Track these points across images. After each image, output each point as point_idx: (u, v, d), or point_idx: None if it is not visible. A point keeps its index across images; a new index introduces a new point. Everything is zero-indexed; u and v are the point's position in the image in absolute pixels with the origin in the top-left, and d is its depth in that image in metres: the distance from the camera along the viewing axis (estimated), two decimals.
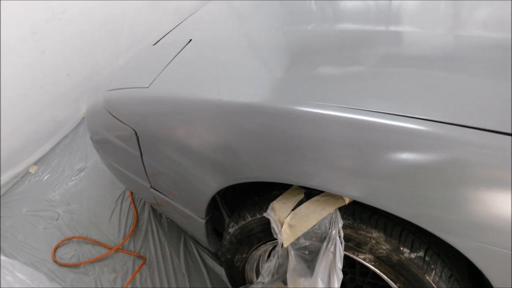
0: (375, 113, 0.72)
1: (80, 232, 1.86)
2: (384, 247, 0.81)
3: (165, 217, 1.83)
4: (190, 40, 1.44)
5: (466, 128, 0.64)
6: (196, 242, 1.68)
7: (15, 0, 1.92)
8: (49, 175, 2.30)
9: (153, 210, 1.89)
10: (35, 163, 2.40)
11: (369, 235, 0.82)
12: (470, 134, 0.63)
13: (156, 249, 1.70)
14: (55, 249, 1.77)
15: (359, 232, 0.83)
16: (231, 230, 1.07)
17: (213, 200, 1.21)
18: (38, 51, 2.12)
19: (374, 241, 0.82)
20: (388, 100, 0.76)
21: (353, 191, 0.76)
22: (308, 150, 0.79)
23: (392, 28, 1.08)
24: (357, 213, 0.85)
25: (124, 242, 1.76)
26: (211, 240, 1.30)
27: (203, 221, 1.18)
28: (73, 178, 2.24)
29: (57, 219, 1.95)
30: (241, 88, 0.97)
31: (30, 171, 2.34)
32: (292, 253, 0.92)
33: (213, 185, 1.02)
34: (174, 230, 1.76)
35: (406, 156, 0.68)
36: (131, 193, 2.00)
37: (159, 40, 1.64)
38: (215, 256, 1.63)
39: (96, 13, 2.46)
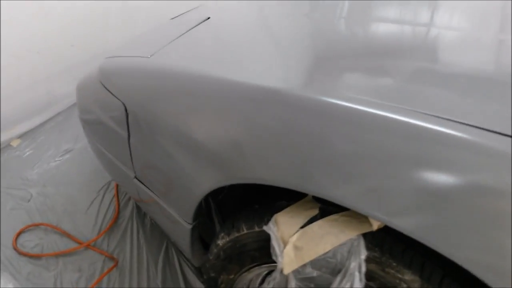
0: (443, 120, 0.55)
1: (50, 220, 1.70)
2: None
3: (150, 217, 1.67)
4: (209, 18, 1.31)
5: None
6: (179, 252, 1.51)
7: None
8: (31, 151, 2.17)
9: (138, 207, 1.73)
10: (19, 136, 2.28)
11: (400, 276, 0.65)
12: None
13: (132, 252, 1.53)
14: (18, 234, 1.62)
15: (386, 270, 0.66)
16: (220, 242, 0.90)
17: (206, 204, 1.07)
18: (42, 12, 1.99)
19: (405, 285, 0.64)
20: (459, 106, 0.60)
21: (390, 216, 0.59)
22: (335, 152, 0.63)
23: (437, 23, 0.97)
24: (387, 245, 0.68)
25: (98, 239, 1.59)
26: (195, 251, 1.13)
27: (189, 227, 1.02)
28: (56, 159, 2.11)
29: (29, 201, 1.81)
30: (261, 71, 0.84)
31: (11, 144, 2.21)
32: (293, 283, 0.75)
33: (205, 183, 0.87)
34: (157, 234, 1.59)
35: (475, 179, 0.51)
36: (117, 185, 1.84)
37: (178, 16, 1.52)
38: (198, 272, 1.46)
39: None
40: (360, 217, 0.70)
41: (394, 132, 0.58)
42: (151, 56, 1.07)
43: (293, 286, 0.75)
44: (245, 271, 0.88)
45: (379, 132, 0.59)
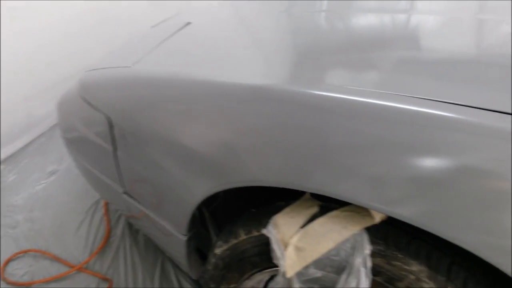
0: (432, 102, 0.55)
1: (39, 245, 1.65)
2: (426, 286, 0.62)
3: (142, 233, 1.63)
4: (189, 23, 1.31)
5: None
6: (176, 266, 1.47)
7: None
8: (15, 176, 2.12)
9: (129, 224, 1.69)
10: (2, 162, 2.22)
11: (407, 267, 0.63)
12: None
13: (126, 271, 1.48)
14: (6, 263, 1.57)
15: (392, 263, 0.65)
16: (218, 251, 0.87)
17: (200, 214, 1.04)
18: (17, 31, 1.96)
19: (413, 277, 0.63)
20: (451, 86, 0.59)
21: (391, 205, 0.57)
22: (330, 145, 0.61)
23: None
24: (392, 237, 0.66)
25: (90, 260, 1.55)
26: (192, 264, 1.10)
27: (184, 238, 0.99)
28: (41, 182, 2.06)
29: (15, 228, 1.75)
30: (247, 70, 0.83)
31: None
32: (297, 286, 0.73)
33: (199, 191, 0.84)
34: (151, 250, 1.56)
35: (475, 161, 0.50)
36: (106, 203, 1.80)
37: (158, 24, 1.51)
38: (197, 285, 1.42)
39: None
40: (362, 211, 0.69)
41: (388, 119, 0.56)
42: (133, 65, 1.05)
43: None
44: (246, 278, 0.86)
45: (374, 120, 0.57)
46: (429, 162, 0.53)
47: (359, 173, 0.59)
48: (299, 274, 0.72)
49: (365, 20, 1.04)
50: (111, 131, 1.04)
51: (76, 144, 1.33)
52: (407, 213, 0.56)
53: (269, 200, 0.84)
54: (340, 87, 0.64)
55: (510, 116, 0.49)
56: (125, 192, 1.15)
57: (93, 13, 2.44)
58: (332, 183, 0.62)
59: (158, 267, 1.48)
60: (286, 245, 0.72)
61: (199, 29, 1.28)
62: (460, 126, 0.51)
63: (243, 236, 0.81)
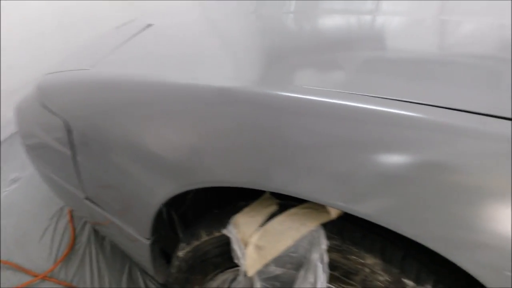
0: (395, 101, 0.57)
1: (1, 255, 1.59)
2: (381, 278, 0.64)
3: (109, 239, 1.60)
4: (150, 24, 1.29)
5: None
6: (144, 271, 1.45)
7: None
8: None
9: (95, 231, 1.65)
10: None
11: (362, 261, 0.65)
12: None
13: (92, 278, 1.45)
14: None
15: (348, 257, 0.66)
16: (181, 254, 0.87)
17: (169, 217, 1.03)
18: None
19: (368, 270, 0.65)
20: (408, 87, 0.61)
21: (335, 199, 0.59)
22: (291, 146, 0.62)
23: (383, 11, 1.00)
24: (347, 232, 0.68)
25: (54, 269, 1.51)
26: (158, 268, 1.09)
27: (147, 242, 0.97)
28: (4, 190, 1.99)
29: None
30: (211, 72, 0.83)
31: None
32: (258, 284, 0.73)
33: (160, 192, 0.83)
34: (118, 256, 1.53)
35: (420, 156, 0.52)
36: (71, 210, 1.76)
37: (120, 26, 1.49)
38: None
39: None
40: (319, 208, 0.70)
41: (347, 119, 0.58)
42: (90, 68, 1.03)
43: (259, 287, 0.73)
44: (210, 279, 0.86)
45: (333, 120, 0.59)
46: (388, 160, 0.54)
47: (320, 172, 0.60)
48: (260, 273, 0.72)
49: (332, 21, 1.07)
50: (69, 135, 1.01)
51: (36, 150, 1.29)
52: (366, 210, 0.57)
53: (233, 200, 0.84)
54: (300, 88, 0.65)
55: (468, 114, 0.51)
56: (86, 198, 1.13)
57: (55, 15, 2.37)
58: (294, 182, 0.63)
59: (125, 273, 1.46)
60: (246, 244, 0.73)
61: (161, 30, 1.27)
62: (417, 124, 0.53)
63: (204, 238, 0.81)
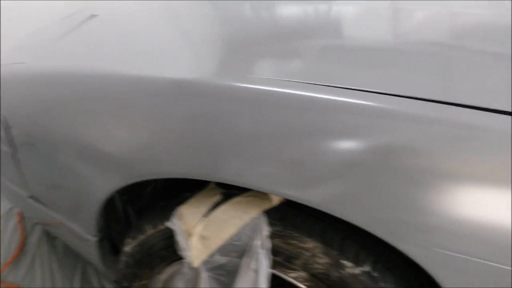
0: (342, 89, 0.57)
1: None
2: (321, 261, 0.65)
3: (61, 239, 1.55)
4: (94, 15, 1.25)
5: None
6: (97, 270, 1.42)
7: None
8: None
9: (47, 231, 1.59)
10: None
11: (303, 245, 0.66)
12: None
13: (44, 280, 1.40)
14: None
15: (290, 242, 0.67)
16: (127, 249, 0.85)
17: (125, 214, 1.02)
18: None
19: (309, 254, 0.66)
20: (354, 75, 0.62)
21: (285, 188, 0.60)
22: (238, 135, 0.62)
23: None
24: (289, 218, 0.69)
25: (3, 271, 1.44)
26: (108, 265, 1.06)
27: (94, 239, 0.95)
28: None
29: None
30: (164, 63, 0.79)
31: None
32: (204, 275, 0.73)
33: (103, 187, 0.82)
34: (70, 255, 1.48)
35: (366, 142, 0.54)
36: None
37: (65, 17, 1.43)
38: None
39: None
40: (263, 195, 0.71)
41: (296, 107, 0.58)
42: (28, 61, 0.98)
43: (204, 278, 0.73)
44: (157, 273, 0.85)
45: (284, 109, 0.59)
46: (336, 147, 0.55)
47: (272, 161, 0.60)
48: (205, 263, 0.72)
49: (288, 10, 1.06)
50: (7, 132, 0.97)
51: None
52: (315, 198, 0.58)
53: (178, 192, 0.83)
54: (247, 78, 0.64)
55: (418, 101, 0.53)
56: (31, 197, 1.09)
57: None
58: (245, 172, 0.63)
59: (78, 272, 1.41)
60: (190, 235, 0.72)
61: (107, 21, 1.23)
62: (364, 111, 0.54)
63: (150, 231, 0.80)
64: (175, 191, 0.84)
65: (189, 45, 0.93)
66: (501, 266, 0.50)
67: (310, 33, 0.86)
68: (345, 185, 0.56)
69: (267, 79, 0.63)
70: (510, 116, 0.49)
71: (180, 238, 0.72)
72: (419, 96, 0.53)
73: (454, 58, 0.67)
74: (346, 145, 0.55)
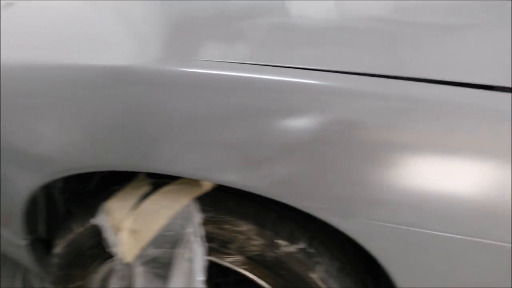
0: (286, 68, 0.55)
1: None
2: (256, 243, 0.64)
3: None
4: (10, 2, 1.13)
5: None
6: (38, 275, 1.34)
7: None
8: None
9: None
10: None
11: (237, 228, 0.65)
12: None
13: None
14: None
15: (223, 227, 0.65)
16: (58, 250, 0.80)
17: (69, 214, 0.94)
18: None
19: (243, 237, 0.65)
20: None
21: (223, 174, 0.58)
22: (170, 122, 0.58)
23: None
24: (222, 202, 0.67)
25: None
26: (45, 268, 1.00)
27: (23, 243, 0.89)
28: None
29: None
30: (98, 50, 0.71)
31: None
32: (139, 270, 0.70)
33: (24, 186, 0.75)
34: (8, 262, 1.39)
35: (311, 122, 0.52)
36: None
37: None
38: None
39: None
40: (193, 182, 0.68)
41: (230, 89, 0.55)
42: None
43: (139, 272, 0.70)
44: (91, 273, 0.80)
45: (215, 91, 0.55)
46: (277, 128, 0.53)
47: (210, 146, 0.57)
48: (139, 257, 0.69)
49: None
50: None
51: None
52: (258, 184, 0.56)
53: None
54: (186, 61, 0.59)
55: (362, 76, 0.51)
56: None
57: None
58: (179, 160, 0.60)
59: (18, 279, 1.33)
60: (120, 230, 0.69)
61: (29, 9, 1.11)
62: (303, 88, 0.52)
63: (79, 230, 0.75)
64: (105, 185, 0.79)
65: (125, 30, 0.86)
66: (443, 234, 0.51)
67: (255, 12, 0.82)
68: (286, 168, 0.54)
69: (205, 62, 0.59)
70: (455, 87, 0.48)
71: (108, 234, 0.68)
72: (363, 72, 0.52)
73: (398, 32, 0.65)
74: (287, 125, 0.53)
